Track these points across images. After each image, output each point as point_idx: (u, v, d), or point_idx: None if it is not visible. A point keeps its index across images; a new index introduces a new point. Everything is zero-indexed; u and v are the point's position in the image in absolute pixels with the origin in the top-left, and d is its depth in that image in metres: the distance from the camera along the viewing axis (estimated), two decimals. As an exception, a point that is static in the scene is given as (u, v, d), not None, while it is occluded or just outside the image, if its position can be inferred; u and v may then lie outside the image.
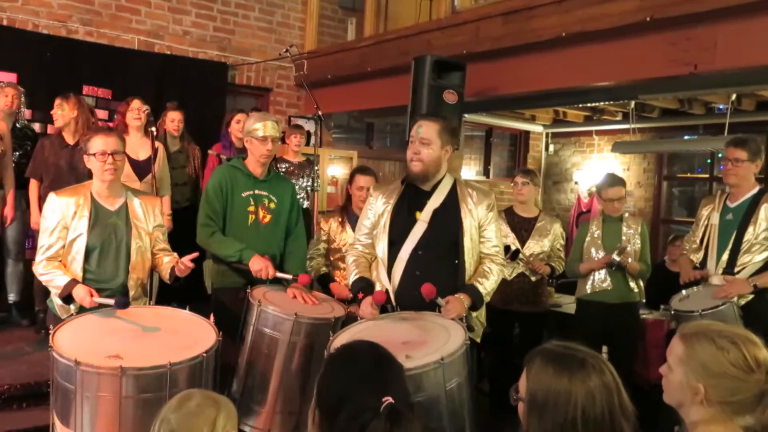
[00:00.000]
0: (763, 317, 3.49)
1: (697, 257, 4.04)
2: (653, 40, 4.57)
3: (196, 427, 1.81)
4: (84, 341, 2.66)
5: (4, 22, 5.95)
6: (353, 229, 3.82)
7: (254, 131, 3.61)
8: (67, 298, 3.05)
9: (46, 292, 3.37)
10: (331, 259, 4.32)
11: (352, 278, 3.16)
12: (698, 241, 4.05)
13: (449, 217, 3.07)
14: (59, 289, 3.05)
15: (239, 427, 2.35)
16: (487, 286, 3.03)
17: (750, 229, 3.74)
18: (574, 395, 1.52)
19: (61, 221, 3.12)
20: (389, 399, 1.46)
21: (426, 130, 3.05)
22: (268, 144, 3.62)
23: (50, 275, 3.09)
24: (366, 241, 3.23)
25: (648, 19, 4.42)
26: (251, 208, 3.65)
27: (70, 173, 4.76)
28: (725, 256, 3.81)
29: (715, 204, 3.99)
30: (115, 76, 6.41)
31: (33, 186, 4.88)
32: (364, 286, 3.06)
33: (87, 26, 6.40)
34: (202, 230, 3.61)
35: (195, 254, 3.22)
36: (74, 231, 3.14)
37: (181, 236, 5.33)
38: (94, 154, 3.15)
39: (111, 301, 2.94)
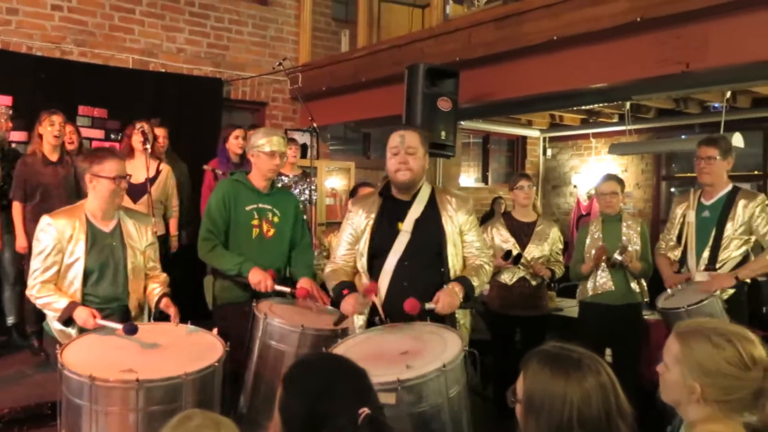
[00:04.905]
0: (745, 308, 3.84)
1: (675, 255, 4.10)
2: (644, 40, 4.58)
3: None
4: (93, 358, 2.64)
5: (-2, 46, 5.98)
6: None
7: (261, 146, 3.63)
8: (67, 321, 3.00)
9: (39, 315, 3.32)
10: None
11: (332, 285, 3.08)
12: (674, 238, 4.11)
13: (431, 225, 3.03)
14: (59, 312, 2.99)
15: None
16: (475, 279, 2.98)
17: (728, 225, 3.80)
18: (570, 396, 1.51)
19: (56, 245, 3.05)
20: (365, 410, 1.40)
21: (410, 138, 2.99)
22: (276, 159, 3.64)
23: (47, 299, 3.02)
24: (347, 256, 3.16)
25: (638, 19, 4.44)
26: (255, 222, 3.66)
27: (59, 191, 4.73)
28: (706, 253, 3.86)
29: (689, 202, 4.03)
30: (110, 96, 6.41)
31: (17, 208, 4.76)
32: (348, 285, 3.01)
33: (81, 47, 6.43)
34: (202, 244, 3.62)
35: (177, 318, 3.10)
36: (71, 255, 3.08)
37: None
38: (106, 177, 3.09)
39: (115, 325, 2.90)
